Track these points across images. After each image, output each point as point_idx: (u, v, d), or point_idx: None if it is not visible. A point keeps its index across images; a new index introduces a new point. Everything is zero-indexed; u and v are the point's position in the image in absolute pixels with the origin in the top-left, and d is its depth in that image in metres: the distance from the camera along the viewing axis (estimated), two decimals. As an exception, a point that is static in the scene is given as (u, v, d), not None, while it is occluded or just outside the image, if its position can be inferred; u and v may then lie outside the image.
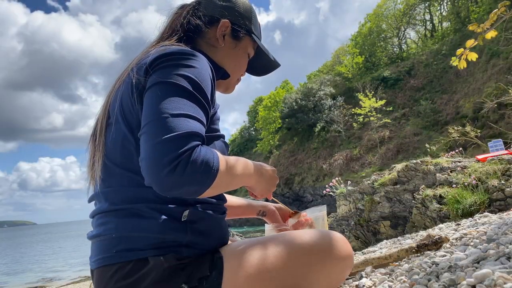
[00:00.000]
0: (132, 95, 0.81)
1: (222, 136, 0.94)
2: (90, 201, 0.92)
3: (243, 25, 1.03)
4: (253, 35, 1.04)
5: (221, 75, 1.01)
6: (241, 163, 0.85)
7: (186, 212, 0.80)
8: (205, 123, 0.77)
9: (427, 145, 14.10)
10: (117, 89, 0.88)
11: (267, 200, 1.20)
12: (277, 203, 1.31)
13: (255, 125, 42.31)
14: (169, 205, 0.80)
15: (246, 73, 1.14)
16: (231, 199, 1.22)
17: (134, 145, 0.81)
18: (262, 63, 1.12)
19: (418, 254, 1.85)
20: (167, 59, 0.80)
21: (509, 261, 1.16)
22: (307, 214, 1.22)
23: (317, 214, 1.18)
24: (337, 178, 6.34)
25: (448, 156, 6.51)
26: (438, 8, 36.00)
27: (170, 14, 1.03)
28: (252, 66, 1.12)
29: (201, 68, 0.81)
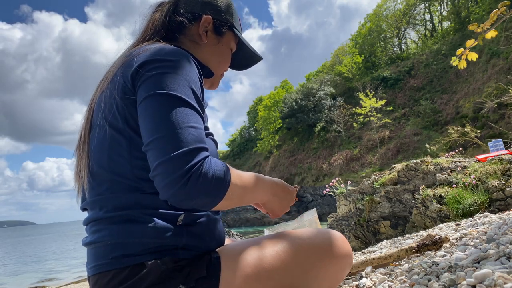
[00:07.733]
0: (121, 99, 0.80)
1: (211, 134, 0.93)
2: (83, 209, 0.91)
3: (225, 20, 1.02)
4: (235, 29, 1.04)
5: (205, 73, 1.00)
6: (253, 177, 0.85)
7: (181, 216, 0.80)
8: (203, 129, 0.77)
9: (427, 145, 14.11)
10: (98, 97, 0.86)
11: None
12: None
13: (255, 125, 42.32)
14: (164, 210, 0.79)
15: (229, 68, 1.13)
16: None
17: (124, 146, 0.80)
18: (244, 57, 1.12)
19: (418, 254, 1.85)
20: (157, 66, 0.77)
21: (509, 261, 1.16)
22: (299, 219, 1.22)
23: (309, 217, 1.19)
24: (337, 178, 6.33)
25: (448, 156, 6.51)
26: (438, 8, 36.03)
27: (148, 12, 1.00)
28: (234, 61, 1.11)
29: (191, 71, 0.80)
